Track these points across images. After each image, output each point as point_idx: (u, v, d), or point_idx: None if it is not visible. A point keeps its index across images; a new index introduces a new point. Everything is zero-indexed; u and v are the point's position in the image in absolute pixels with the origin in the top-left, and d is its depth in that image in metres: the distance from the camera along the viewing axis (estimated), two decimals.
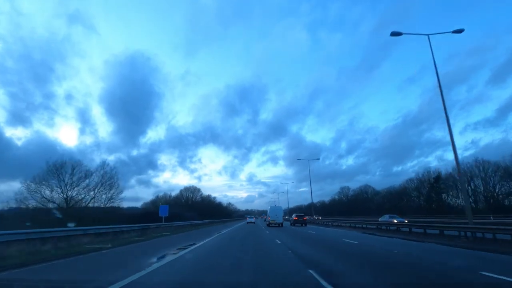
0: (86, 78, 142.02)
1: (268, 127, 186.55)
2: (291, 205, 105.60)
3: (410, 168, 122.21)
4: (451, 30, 17.84)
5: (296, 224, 39.06)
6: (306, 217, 42.18)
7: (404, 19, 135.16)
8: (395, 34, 17.99)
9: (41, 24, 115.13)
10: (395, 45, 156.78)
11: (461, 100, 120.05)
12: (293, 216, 41.71)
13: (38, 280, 6.21)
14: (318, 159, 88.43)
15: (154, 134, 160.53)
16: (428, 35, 18.07)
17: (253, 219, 59.89)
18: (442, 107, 17.00)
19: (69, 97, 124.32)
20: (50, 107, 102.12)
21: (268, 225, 37.83)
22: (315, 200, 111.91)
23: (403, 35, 18.19)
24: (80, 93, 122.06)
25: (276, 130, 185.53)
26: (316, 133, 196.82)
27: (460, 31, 17.64)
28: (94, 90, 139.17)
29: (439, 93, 17.30)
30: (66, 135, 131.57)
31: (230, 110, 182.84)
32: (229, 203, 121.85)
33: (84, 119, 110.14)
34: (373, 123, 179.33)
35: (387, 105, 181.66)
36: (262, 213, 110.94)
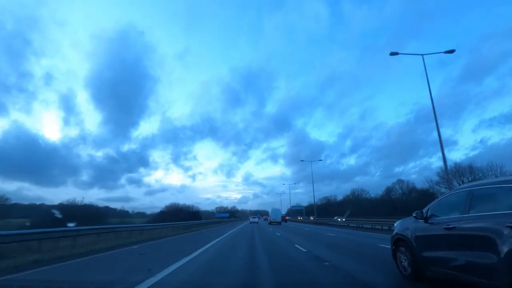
0: (69, 55, 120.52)
1: (272, 121, 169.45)
2: (288, 207, 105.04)
3: (411, 169, 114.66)
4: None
5: (282, 222, 53.71)
6: (287, 217, 72.80)
7: None
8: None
9: None
10: (429, 19, 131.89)
11: (479, 94, 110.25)
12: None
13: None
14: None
15: (147, 126, 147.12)
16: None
17: (256, 219, 58.83)
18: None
19: (48, 77, 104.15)
20: (27, 89, 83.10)
21: (270, 223, 47.94)
22: (308, 201, 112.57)
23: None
24: (62, 72, 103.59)
25: (281, 124, 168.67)
26: (322, 129, 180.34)
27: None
28: (79, 71, 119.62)
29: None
30: (46, 124, 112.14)
31: (233, 100, 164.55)
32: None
33: (68, 106, 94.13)
34: (384, 118, 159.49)
35: (405, 97, 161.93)
36: (257, 213, 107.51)
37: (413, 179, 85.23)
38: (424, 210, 4.87)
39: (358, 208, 65.07)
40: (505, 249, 3.05)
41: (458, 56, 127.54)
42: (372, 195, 74.62)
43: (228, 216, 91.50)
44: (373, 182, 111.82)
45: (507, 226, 3.10)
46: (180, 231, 24.07)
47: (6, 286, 5.28)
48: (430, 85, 18.02)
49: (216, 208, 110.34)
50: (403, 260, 5.27)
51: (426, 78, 17.97)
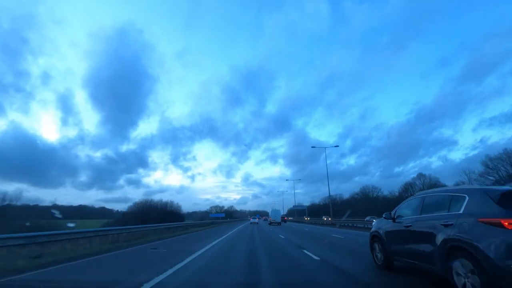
0: (67, 54, 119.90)
1: (272, 121, 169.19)
2: (289, 207, 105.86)
3: (411, 169, 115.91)
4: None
5: (281, 222, 54.87)
6: (286, 218, 73.80)
7: None
8: None
9: None
10: (430, 18, 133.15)
11: (479, 94, 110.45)
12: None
13: None
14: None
15: (146, 126, 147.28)
16: None
17: (256, 220, 58.65)
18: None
19: (46, 76, 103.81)
20: (24, 89, 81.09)
21: (270, 224, 49.10)
22: (309, 201, 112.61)
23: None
24: (59, 71, 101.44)
25: (281, 124, 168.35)
26: (323, 129, 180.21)
27: None
28: (77, 70, 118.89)
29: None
30: (44, 124, 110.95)
31: (233, 100, 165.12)
32: None
33: (66, 106, 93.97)
34: (384, 118, 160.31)
35: (405, 97, 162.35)
36: (257, 214, 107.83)
37: (435, 173, 79.91)
38: (392, 212, 6.01)
39: (370, 206, 61.86)
40: (439, 240, 4.19)
41: (459, 56, 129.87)
42: (385, 193, 71.01)
43: (224, 216, 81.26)
44: (373, 182, 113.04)
45: (441, 224, 4.22)
46: (119, 244, 12.52)
47: None
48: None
49: (211, 207, 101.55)
50: (377, 253, 6.39)
51: None
